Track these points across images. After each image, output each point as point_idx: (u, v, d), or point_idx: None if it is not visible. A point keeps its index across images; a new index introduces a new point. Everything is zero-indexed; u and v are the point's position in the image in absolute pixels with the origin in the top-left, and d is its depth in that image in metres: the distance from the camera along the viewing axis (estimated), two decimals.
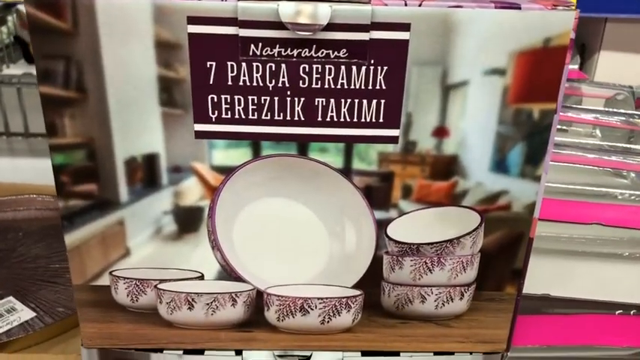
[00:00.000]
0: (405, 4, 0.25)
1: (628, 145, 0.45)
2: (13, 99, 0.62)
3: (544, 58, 0.26)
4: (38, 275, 0.44)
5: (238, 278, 0.29)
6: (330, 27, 0.24)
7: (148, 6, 0.24)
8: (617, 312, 0.39)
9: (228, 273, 0.29)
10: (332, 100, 0.26)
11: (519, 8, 0.25)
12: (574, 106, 0.50)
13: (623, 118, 0.47)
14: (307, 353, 0.31)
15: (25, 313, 0.39)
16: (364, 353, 0.31)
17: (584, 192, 0.40)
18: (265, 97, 0.26)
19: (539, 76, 0.26)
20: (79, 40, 0.25)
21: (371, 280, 0.30)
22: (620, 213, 0.37)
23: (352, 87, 0.26)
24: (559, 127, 0.51)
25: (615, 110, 0.48)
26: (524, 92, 0.26)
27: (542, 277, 0.35)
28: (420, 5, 0.25)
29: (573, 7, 0.25)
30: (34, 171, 0.62)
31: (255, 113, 0.26)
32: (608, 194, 0.41)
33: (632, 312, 0.39)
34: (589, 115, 0.48)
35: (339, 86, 0.26)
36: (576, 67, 0.61)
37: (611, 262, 0.38)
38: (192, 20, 0.25)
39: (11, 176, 0.60)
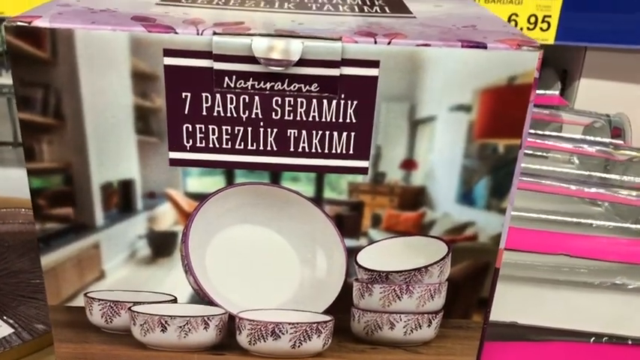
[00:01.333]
0: (375, 42, 0.26)
1: (604, 175, 0.46)
2: (3, 108, 0.63)
3: (509, 95, 0.26)
4: (19, 291, 0.44)
5: (211, 302, 0.30)
6: (302, 62, 0.25)
7: (125, 38, 0.25)
8: (590, 340, 0.39)
9: (200, 297, 0.30)
10: (304, 132, 0.27)
11: (485, 47, 0.26)
12: (553, 133, 0.52)
13: (600, 147, 0.48)
14: None
15: (2, 330, 0.39)
16: None
17: (557, 221, 0.41)
18: (239, 128, 0.27)
19: (504, 112, 0.27)
20: (58, 69, 0.26)
21: (341, 307, 0.30)
22: (590, 243, 0.38)
23: (323, 120, 0.27)
24: (539, 154, 0.53)
25: (592, 139, 0.50)
26: (490, 128, 0.27)
27: (512, 304, 0.36)
28: (388, 43, 0.25)
29: (538, 47, 0.26)
30: (23, 181, 0.62)
31: (229, 143, 0.27)
32: (582, 223, 0.42)
33: (604, 339, 0.40)
34: (568, 143, 0.49)
35: (310, 119, 0.27)
36: (557, 92, 0.62)
37: (582, 291, 0.39)
38: (168, 53, 0.25)
39: (1, 185, 0.60)
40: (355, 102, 0.26)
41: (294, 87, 0.26)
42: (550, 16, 0.53)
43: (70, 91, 0.26)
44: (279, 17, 0.29)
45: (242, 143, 0.27)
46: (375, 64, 0.26)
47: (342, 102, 0.26)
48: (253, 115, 0.26)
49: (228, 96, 0.26)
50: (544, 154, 0.53)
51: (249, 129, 0.27)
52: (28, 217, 0.56)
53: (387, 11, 0.32)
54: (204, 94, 0.26)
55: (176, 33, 0.25)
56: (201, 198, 0.28)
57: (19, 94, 0.26)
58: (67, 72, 0.26)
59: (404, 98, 0.26)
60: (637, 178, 0.44)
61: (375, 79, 0.26)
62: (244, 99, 0.26)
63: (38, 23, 0.25)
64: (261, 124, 0.27)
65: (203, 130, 0.27)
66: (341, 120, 0.27)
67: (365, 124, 0.27)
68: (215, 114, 0.26)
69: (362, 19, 0.30)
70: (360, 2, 0.34)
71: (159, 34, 0.25)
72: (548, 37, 0.54)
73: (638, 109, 0.58)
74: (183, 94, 0.26)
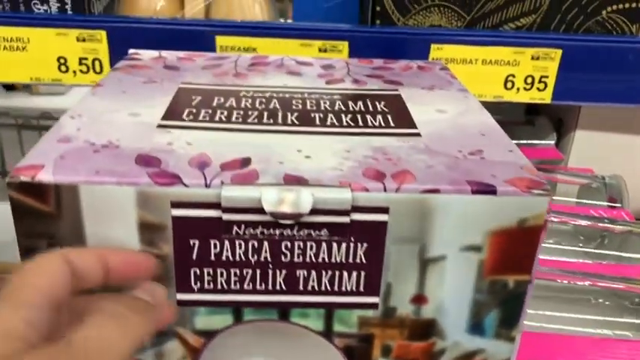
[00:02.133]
0: (384, 189, 0.25)
1: (599, 251, 0.46)
2: None
3: (519, 236, 0.26)
4: None
5: None
6: (312, 211, 0.25)
7: (131, 192, 0.25)
8: None
9: None
10: (313, 272, 0.27)
11: (495, 192, 0.26)
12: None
13: (594, 222, 0.48)
14: None
15: None
16: None
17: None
18: (247, 270, 0.26)
19: (513, 252, 0.27)
20: (63, 221, 0.25)
21: None
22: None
23: (333, 260, 0.26)
24: None
25: (587, 201, 0.50)
26: (500, 266, 0.27)
27: None
28: (397, 190, 0.25)
29: (548, 192, 0.26)
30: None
31: (237, 284, 0.27)
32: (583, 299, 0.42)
33: None
34: (563, 216, 0.49)
35: (320, 260, 0.26)
36: (552, 143, 0.63)
37: None
38: (176, 205, 0.25)
39: None
40: (365, 244, 0.26)
41: (304, 232, 0.26)
42: (547, 77, 0.53)
43: (75, 241, 0.25)
44: (283, 144, 0.28)
45: (250, 284, 0.27)
46: (384, 210, 0.25)
47: (352, 244, 0.26)
48: (262, 259, 0.26)
49: (237, 242, 0.26)
50: None
51: (258, 271, 0.26)
52: None
53: (391, 123, 0.32)
54: (212, 241, 0.26)
55: (184, 184, 0.25)
56: (209, 335, 0.28)
57: (22, 245, 0.26)
58: (72, 223, 0.25)
59: (414, 240, 0.26)
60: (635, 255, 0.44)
61: (384, 224, 0.26)
62: (253, 244, 0.26)
63: (41, 177, 0.24)
64: (270, 266, 0.26)
65: (211, 273, 0.26)
66: (351, 261, 0.26)
67: (375, 264, 0.27)
68: (223, 258, 0.26)
69: (366, 142, 0.29)
70: (362, 108, 0.34)
71: (166, 187, 0.25)
72: (545, 96, 0.54)
73: (635, 161, 0.58)
74: (191, 241, 0.26)
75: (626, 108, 0.57)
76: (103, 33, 0.52)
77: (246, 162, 0.27)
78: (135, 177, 0.25)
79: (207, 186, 0.25)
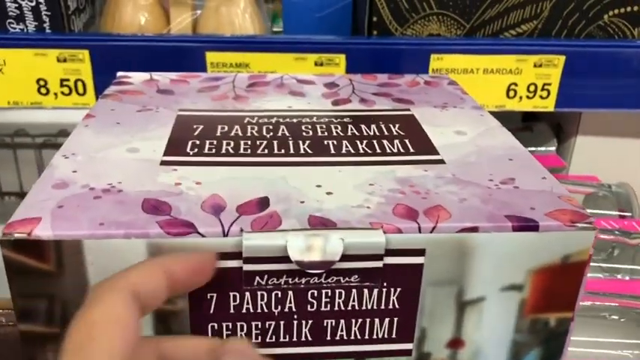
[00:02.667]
0: (419, 230, 0.23)
1: (612, 265, 0.44)
2: None
3: (562, 273, 0.24)
4: None
5: None
6: (342, 257, 0.23)
7: (142, 246, 0.22)
8: None
9: None
10: (342, 321, 0.24)
11: (537, 228, 0.24)
12: None
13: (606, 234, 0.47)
14: None
15: None
16: None
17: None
18: (270, 322, 0.24)
19: (556, 289, 0.25)
20: (64, 281, 0.22)
21: None
22: None
23: (364, 308, 0.24)
24: None
25: (597, 211, 0.48)
26: (542, 305, 0.25)
27: None
28: (432, 231, 0.23)
29: (593, 226, 0.24)
30: None
31: (259, 337, 0.24)
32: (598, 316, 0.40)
33: None
34: None
35: (349, 308, 0.24)
36: (553, 149, 0.61)
37: None
38: None
39: None
40: (399, 289, 0.24)
41: (333, 279, 0.23)
42: (550, 84, 0.52)
43: (78, 301, 0.23)
44: (300, 179, 0.26)
45: (274, 336, 0.24)
46: (420, 252, 0.23)
47: (385, 290, 0.24)
48: (286, 309, 0.24)
49: (259, 293, 0.23)
50: None
51: (282, 322, 0.24)
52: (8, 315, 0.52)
53: (411, 149, 0.30)
54: (231, 293, 0.23)
55: (199, 234, 0.22)
56: None
57: (18, 306, 0.23)
58: (75, 282, 0.23)
59: (452, 282, 0.24)
60: None
61: (420, 266, 0.24)
62: (277, 294, 0.24)
63: (39, 233, 0.22)
64: (295, 317, 0.24)
65: (230, 327, 0.24)
66: (383, 307, 0.24)
67: (409, 309, 0.24)
68: (244, 311, 0.24)
69: (389, 172, 0.27)
70: (377, 132, 0.32)
71: (179, 237, 0.22)
72: (549, 104, 0.52)
73: (636, 166, 0.57)
74: (209, 294, 0.23)
75: (626, 114, 0.56)
76: (86, 52, 0.49)
77: (264, 203, 0.24)
78: (144, 228, 0.22)
79: (225, 235, 0.22)
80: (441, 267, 0.24)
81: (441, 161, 0.29)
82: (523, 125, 0.65)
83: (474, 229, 0.23)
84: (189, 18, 0.53)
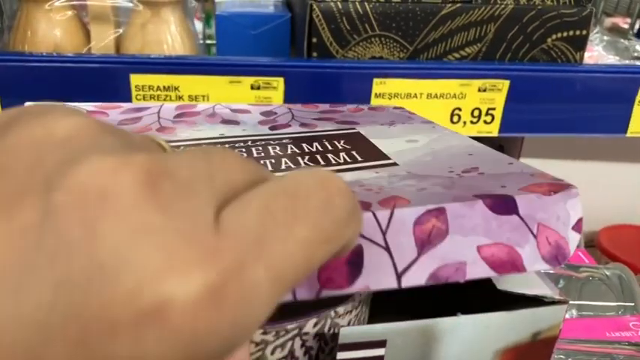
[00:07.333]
0: (375, 219, 0.20)
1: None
2: None
3: (530, 350, 0.22)
4: None
5: None
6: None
7: None
8: None
9: None
10: None
11: (513, 202, 0.20)
12: None
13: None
14: None
15: None
16: None
17: None
18: None
19: None
20: None
21: None
22: None
23: None
24: None
25: None
26: None
27: None
28: (390, 217, 0.20)
29: (563, 299, 0.22)
30: None
31: None
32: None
33: None
34: None
35: None
36: None
37: None
38: None
39: None
40: None
41: None
42: (494, 109, 0.50)
43: None
44: None
45: None
46: (381, 344, 0.21)
47: None
48: None
49: None
50: None
51: None
52: None
53: (358, 158, 0.27)
54: None
55: None
56: None
57: None
58: None
59: None
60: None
61: (380, 358, 0.21)
62: None
63: None
64: None
65: None
66: None
67: None
68: None
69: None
70: (320, 148, 0.29)
71: None
72: (492, 129, 0.51)
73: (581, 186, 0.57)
74: None
75: (567, 138, 0.56)
76: None
77: None
78: None
79: None
80: (404, 357, 0.21)
81: (394, 164, 0.26)
82: None
83: (441, 211, 0.20)
84: (111, 36, 0.48)
